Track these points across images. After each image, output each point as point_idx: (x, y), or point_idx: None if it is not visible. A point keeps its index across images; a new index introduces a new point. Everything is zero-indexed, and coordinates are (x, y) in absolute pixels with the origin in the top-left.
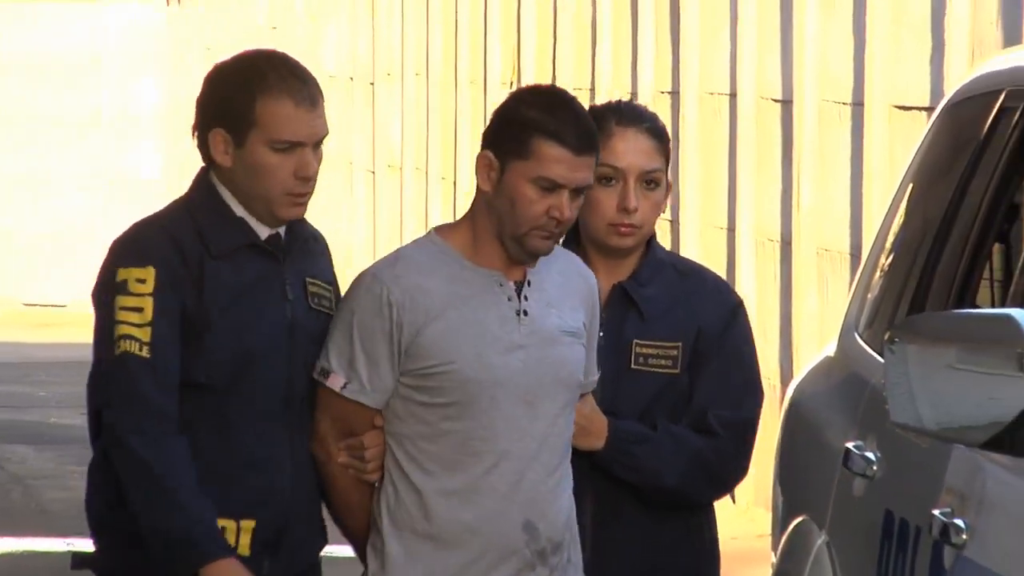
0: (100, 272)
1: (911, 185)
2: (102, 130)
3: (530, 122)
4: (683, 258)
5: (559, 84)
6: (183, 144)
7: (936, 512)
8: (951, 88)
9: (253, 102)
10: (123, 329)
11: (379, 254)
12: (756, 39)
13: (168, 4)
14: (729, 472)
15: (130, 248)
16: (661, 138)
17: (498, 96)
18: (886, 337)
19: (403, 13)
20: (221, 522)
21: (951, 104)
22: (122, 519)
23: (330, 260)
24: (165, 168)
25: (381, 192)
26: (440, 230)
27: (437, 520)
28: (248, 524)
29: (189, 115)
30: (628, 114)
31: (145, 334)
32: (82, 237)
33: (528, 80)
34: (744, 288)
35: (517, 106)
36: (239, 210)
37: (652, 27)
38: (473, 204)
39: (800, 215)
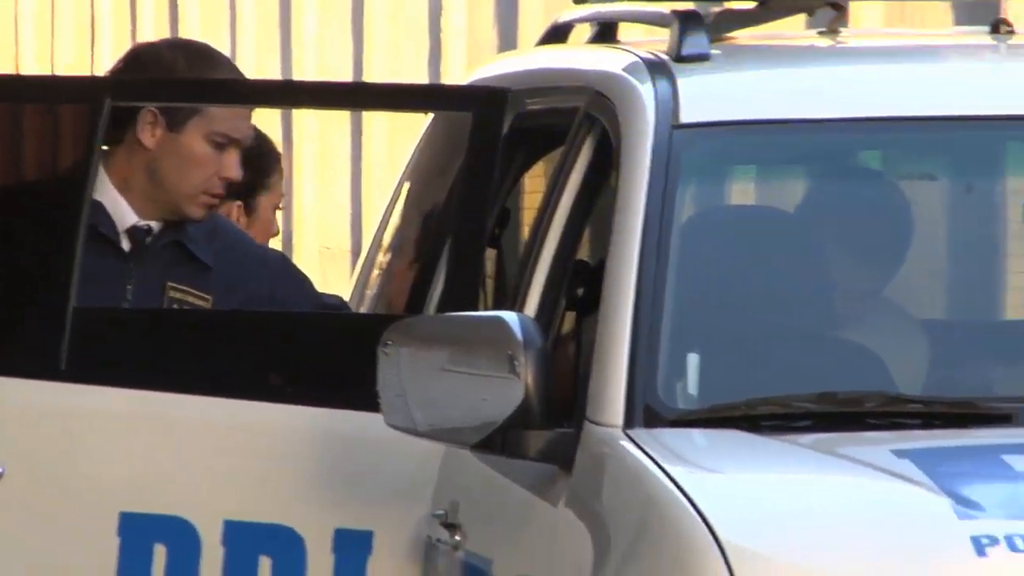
0: None
1: (408, 184)
2: None
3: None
4: None
5: None
6: None
7: (432, 514)
8: None
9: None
10: None
11: None
12: (255, 41)
13: None
14: None
15: None
16: None
17: None
18: (380, 340)
19: None
20: None
21: None
22: None
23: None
24: None
25: None
26: None
27: None
28: None
29: None
30: None
31: None
32: None
33: None
34: None
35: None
36: None
37: (152, 26)
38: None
39: (302, 214)
